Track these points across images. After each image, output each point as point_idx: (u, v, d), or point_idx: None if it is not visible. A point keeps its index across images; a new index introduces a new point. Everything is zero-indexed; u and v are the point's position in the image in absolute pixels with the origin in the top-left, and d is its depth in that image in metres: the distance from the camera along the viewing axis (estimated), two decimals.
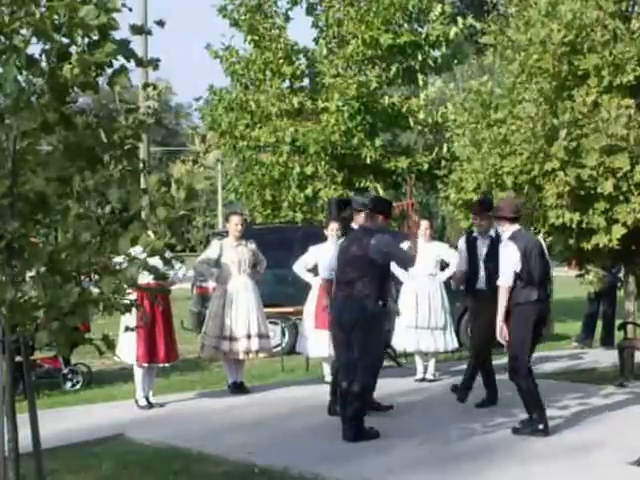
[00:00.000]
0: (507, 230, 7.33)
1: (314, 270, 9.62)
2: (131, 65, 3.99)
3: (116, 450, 6.93)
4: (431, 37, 15.96)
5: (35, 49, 3.86)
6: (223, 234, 10.45)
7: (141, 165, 4.40)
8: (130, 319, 7.00)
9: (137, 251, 4.13)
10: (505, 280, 7.20)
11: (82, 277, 4.09)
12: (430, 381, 9.83)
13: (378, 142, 15.49)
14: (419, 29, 16.28)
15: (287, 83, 16.18)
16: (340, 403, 7.36)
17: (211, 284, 10.59)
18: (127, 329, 5.13)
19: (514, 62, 9.57)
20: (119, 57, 3.93)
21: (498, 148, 9.36)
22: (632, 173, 8.55)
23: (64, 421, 7.83)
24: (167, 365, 9.01)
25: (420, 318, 9.73)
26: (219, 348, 9.11)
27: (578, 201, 8.84)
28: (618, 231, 8.73)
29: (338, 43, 16.07)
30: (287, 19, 16.38)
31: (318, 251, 9.49)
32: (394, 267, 7.97)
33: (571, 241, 9.20)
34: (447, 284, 9.87)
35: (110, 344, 4.15)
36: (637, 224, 8.70)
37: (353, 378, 7.09)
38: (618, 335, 10.71)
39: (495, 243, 8.06)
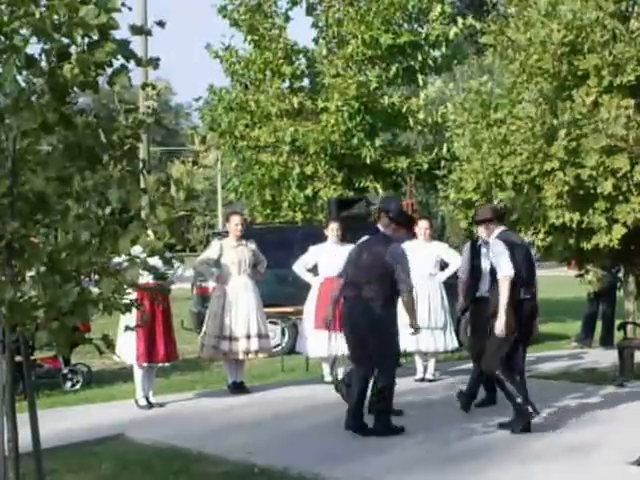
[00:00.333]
0: (493, 232, 7.45)
1: (314, 270, 9.63)
2: (131, 65, 4.00)
3: (116, 450, 6.93)
4: (431, 37, 15.94)
5: (35, 49, 3.86)
6: (223, 234, 10.45)
7: (141, 165, 4.41)
8: (130, 319, 7.02)
9: (137, 251, 4.14)
10: (505, 270, 7.18)
11: (82, 277, 4.09)
12: (430, 381, 9.83)
13: (378, 142, 15.47)
14: (419, 29, 16.24)
15: (287, 83, 16.16)
16: (345, 391, 7.65)
17: (211, 284, 10.58)
18: (127, 328, 5.13)
19: (514, 62, 9.56)
20: (119, 57, 3.93)
21: (498, 148, 9.36)
22: (632, 173, 8.55)
23: (64, 421, 7.83)
24: (167, 365, 9.02)
25: (420, 318, 9.70)
26: (219, 348, 9.10)
27: (578, 201, 8.85)
28: (618, 231, 8.73)
29: (338, 43, 16.04)
30: (287, 19, 16.34)
31: (318, 251, 9.50)
32: None
33: (571, 241, 9.20)
34: (447, 284, 9.87)
35: (110, 344, 4.16)
36: (637, 224, 8.71)
37: (370, 377, 7.32)
38: (618, 335, 10.70)
39: None
